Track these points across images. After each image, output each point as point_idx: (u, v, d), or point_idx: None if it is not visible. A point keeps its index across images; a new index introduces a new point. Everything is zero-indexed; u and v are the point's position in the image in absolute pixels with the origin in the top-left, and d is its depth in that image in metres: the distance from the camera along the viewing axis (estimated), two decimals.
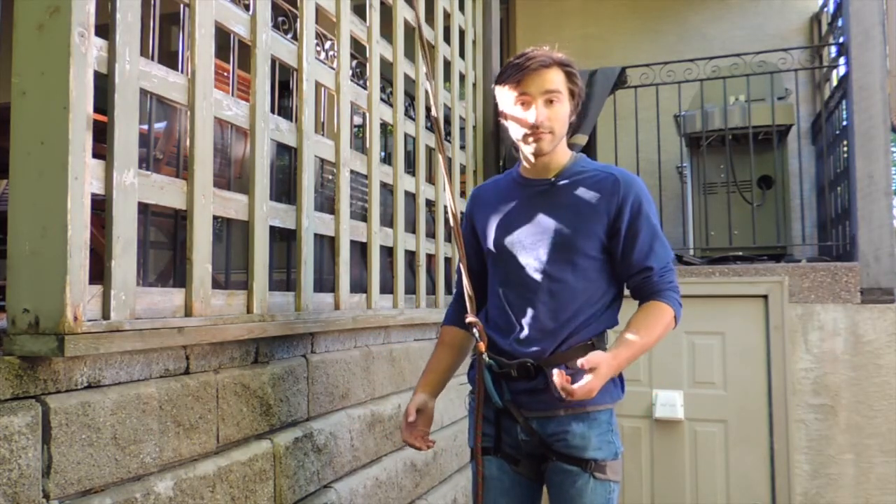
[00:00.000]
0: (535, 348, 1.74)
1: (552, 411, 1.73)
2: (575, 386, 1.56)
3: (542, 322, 1.74)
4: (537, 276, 1.76)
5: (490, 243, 1.86)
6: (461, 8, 3.89)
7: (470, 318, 1.79)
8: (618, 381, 1.79)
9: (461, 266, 1.86)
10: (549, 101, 1.70)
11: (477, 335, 1.77)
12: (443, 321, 2.02)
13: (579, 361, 1.58)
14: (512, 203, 1.84)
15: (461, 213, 2.00)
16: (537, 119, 1.69)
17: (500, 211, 1.86)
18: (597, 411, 1.74)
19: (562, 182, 1.78)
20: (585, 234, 1.73)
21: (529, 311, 1.75)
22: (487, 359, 1.76)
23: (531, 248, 1.77)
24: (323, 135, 2.45)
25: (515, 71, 1.71)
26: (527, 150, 1.76)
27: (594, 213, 1.73)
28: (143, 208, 1.67)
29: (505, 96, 1.75)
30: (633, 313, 1.78)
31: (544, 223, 1.77)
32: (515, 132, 1.76)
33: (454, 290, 2.05)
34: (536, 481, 1.84)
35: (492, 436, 1.83)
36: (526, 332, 1.75)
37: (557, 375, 1.57)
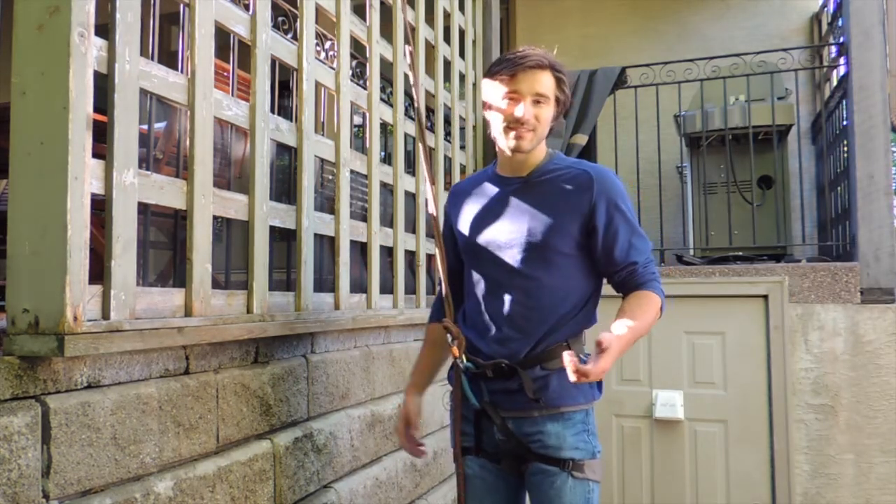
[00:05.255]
0: (510, 348, 1.73)
1: (527, 412, 1.73)
2: (589, 366, 1.49)
3: (516, 321, 1.74)
4: (511, 275, 1.76)
5: (465, 241, 1.86)
6: (461, 8, 3.89)
7: (445, 322, 1.81)
8: (594, 382, 1.77)
9: (440, 267, 1.87)
10: (537, 102, 1.71)
11: (450, 339, 1.78)
12: (428, 319, 2.04)
13: (599, 337, 1.50)
14: (487, 201, 1.84)
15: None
16: (524, 115, 1.69)
17: (476, 208, 1.86)
18: (571, 411, 1.73)
19: (536, 179, 1.78)
20: (559, 232, 1.72)
21: (504, 310, 1.75)
22: (465, 360, 1.77)
23: (505, 246, 1.77)
24: (323, 135, 2.45)
25: (509, 66, 1.70)
26: (506, 143, 1.74)
27: (568, 211, 1.73)
28: (143, 208, 1.67)
29: (494, 89, 1.74)
30: (618, 306, 1.75)
31: (518, 221, 1.76)
32: (497, 124, 1.74)
33: (437, 288, 2.07)
34: (519, 480, 1.84)
35: (472, 435, 1.83)
36: (502, 331, 1.75)
37: (569, 357, 1.49)
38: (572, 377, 1.50)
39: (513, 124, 1.71)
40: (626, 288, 1.77)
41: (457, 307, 1.88)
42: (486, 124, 1.82)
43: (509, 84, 1.70)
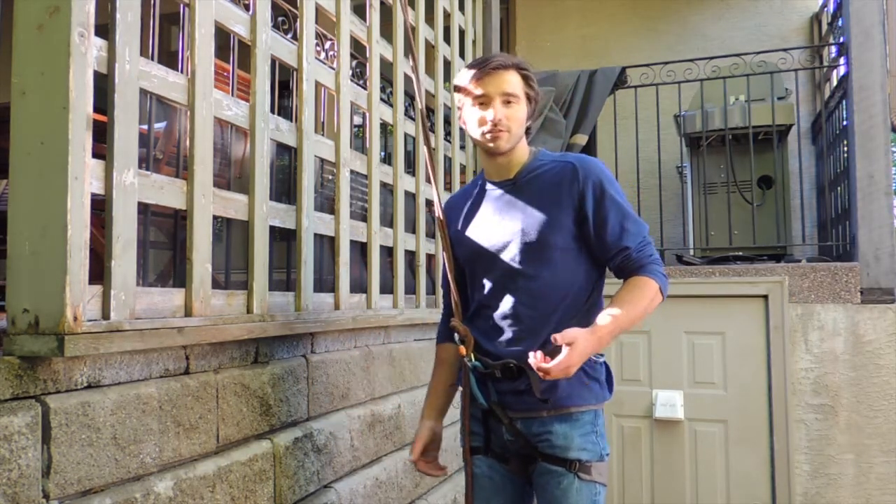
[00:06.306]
0: (518, 348, 1.73)
1: (536, 412, 1.73)
2: (551, 364, 1.53)
3: (523, 321, 1.74)
4: (514, 276, 1.76)
5: (464, 250, 1.87)
6: (461, 8, 3.89)
7: (453, 322, 1.81)
8: (603, 382, 1.78)
9: (447, 273, 1.87)
10: (507, 102, 1.73)
11: (457, 338, 1.79)
12: (436, 339, 2.03)
13: (553, 336, 1.55)
14: (480, 208, 1.86)
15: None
16: (496, 117, 1.71)
17: (470, 217, 1.87)
18: (580, 412, 1.73)
19: (523, 179, 1.80)
20: (555, 227, 1.73)
21: (510, 312, 1.76)
22: (473, 360, 1.77)
23: (503, 248, 1.77)
24: (323, 135, 2.45)
25: (474, 71, 1.74)
26: (484, 146, 1.78)
27: (559, 205, 1.74)
28: (143, 208, 1.67)
29: (464, 96, 1.77)
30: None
31: (513, 222, 1.77)
32: (473, 130, 1.77)
33: (443, 305, 2.06)
34: (527, 481, 1.84)
35: (481, 434, 1.84)
36: (509, 333, 1.75)
37: (533, 356, 1.55)
38: (535, 376, 1.56)
39: (488, 128, 1.73)
40: (624, 273, 1.78)
41: (456, 314, 1.87)
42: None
43: (477, 87, 1.73)
